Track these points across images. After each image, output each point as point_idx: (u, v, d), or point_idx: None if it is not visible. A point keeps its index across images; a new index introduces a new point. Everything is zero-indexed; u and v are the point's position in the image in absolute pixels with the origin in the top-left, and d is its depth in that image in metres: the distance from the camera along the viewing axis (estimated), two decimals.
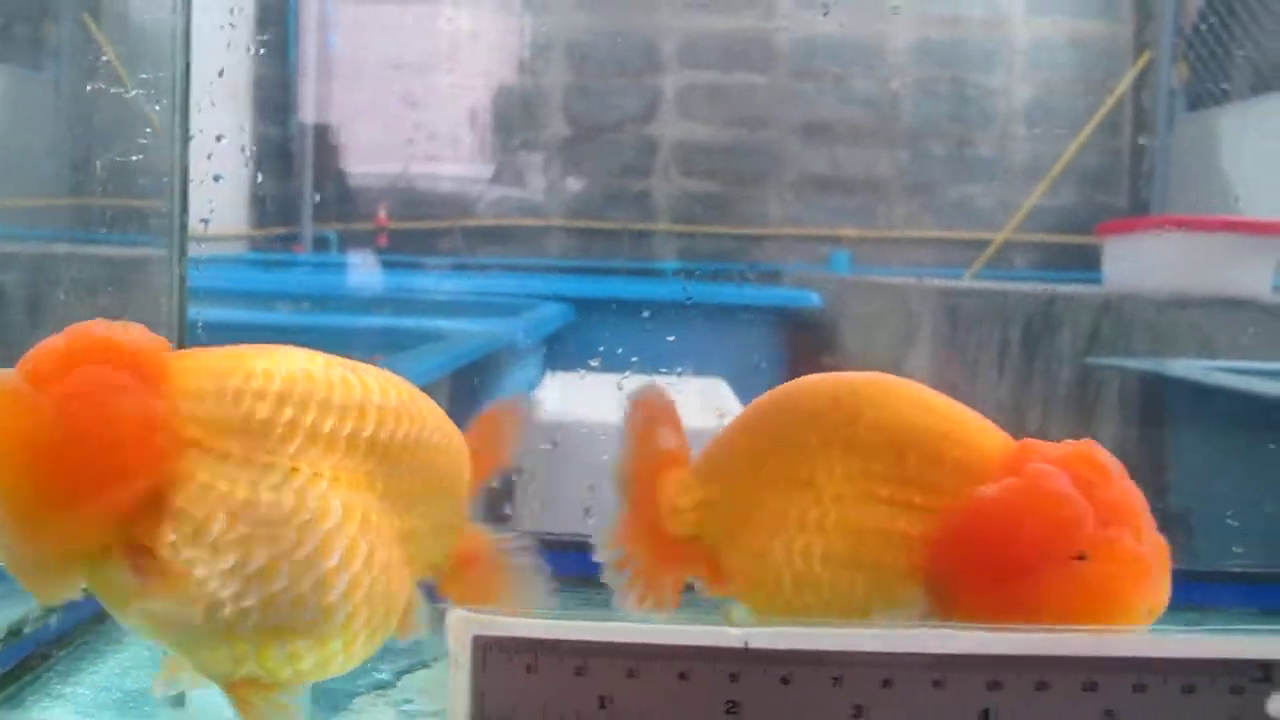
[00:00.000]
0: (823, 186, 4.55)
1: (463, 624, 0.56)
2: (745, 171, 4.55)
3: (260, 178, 4.16)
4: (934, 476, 0.67)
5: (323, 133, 4.18)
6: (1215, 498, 1.73)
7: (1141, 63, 4.57)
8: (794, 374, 0.73)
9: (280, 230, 4.06)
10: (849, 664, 0.57)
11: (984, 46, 4.59)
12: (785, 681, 0.56)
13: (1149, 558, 0.64)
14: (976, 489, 0.65)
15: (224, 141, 0.99)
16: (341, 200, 4.18)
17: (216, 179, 0.95)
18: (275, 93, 4.12)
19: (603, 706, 0.55)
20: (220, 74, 1.25)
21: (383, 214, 4.24)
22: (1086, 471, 0.64)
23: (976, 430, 0.68)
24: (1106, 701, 0.59)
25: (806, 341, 3.31)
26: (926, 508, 0.66)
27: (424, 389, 0.68)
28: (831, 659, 0.57)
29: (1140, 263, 2.32)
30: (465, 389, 2.44)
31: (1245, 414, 1.71)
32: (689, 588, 0.77)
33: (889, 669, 0.57)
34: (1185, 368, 1.83)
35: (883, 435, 0.68)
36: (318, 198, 4.06)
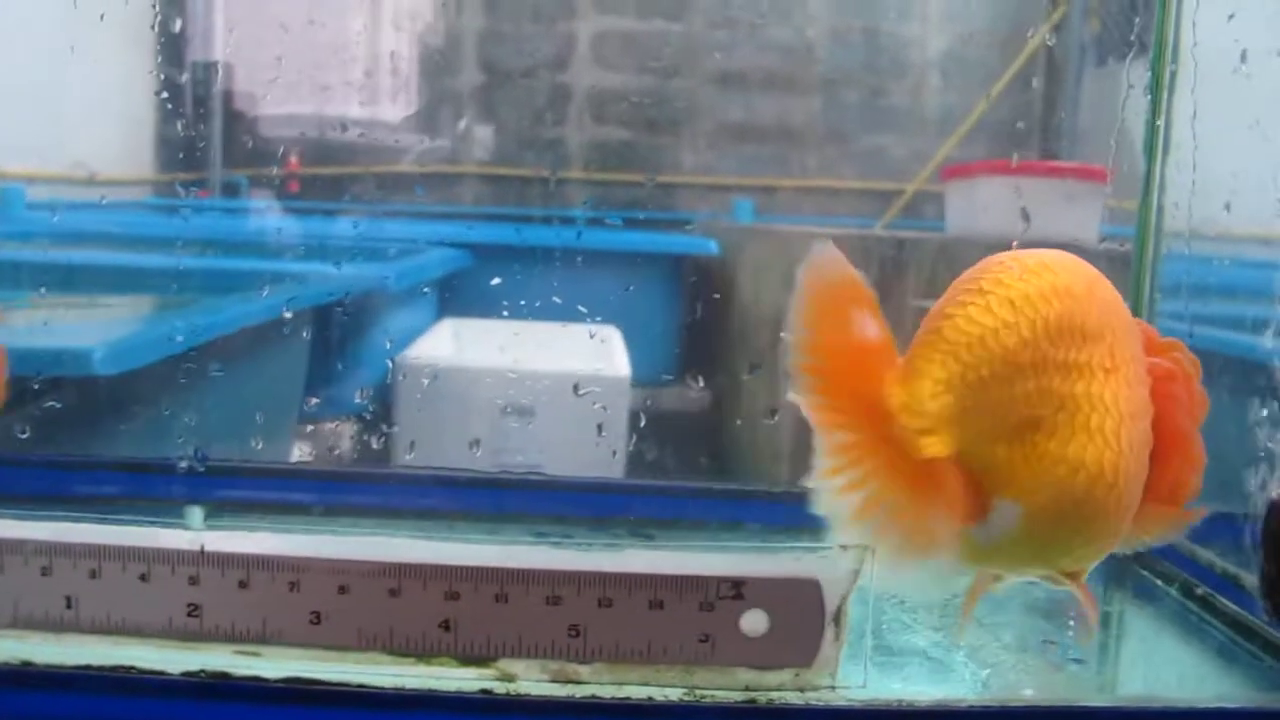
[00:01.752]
0: (737, 135, 4.57)
1: None
2: (660, 119, 4.56)
3: (166, 122, 4.15)
4: (1144, 353, 0.66)
5: (231, 77, 4.17)
6: None
7: (1056, 16, 4.58)
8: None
9: (188, 176, 4.06)
10: (305, 569, 0.61)
11: None
12: (243, 585, 0.61)
13: None
14: (1152, 364, 0.66)
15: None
16: (252, 145, 4.18)
17: None
18: (182, 36, 4.10)
19: (69, 607, 0.60)
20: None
21: (294, 159, 4.23)
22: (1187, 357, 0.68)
23: None
24: (571, 616, 0.60)
25: (703, 286, 3.39)
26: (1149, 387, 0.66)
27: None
28: (288, 564, 0.61)
29: (974, 207, 2.36)
30: (328, 331, 2.49)
31: None
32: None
33: (344, 575, 0.61)
34: None
35: (1126, 315, 0.65)
36: (220, 144, 4.06)
